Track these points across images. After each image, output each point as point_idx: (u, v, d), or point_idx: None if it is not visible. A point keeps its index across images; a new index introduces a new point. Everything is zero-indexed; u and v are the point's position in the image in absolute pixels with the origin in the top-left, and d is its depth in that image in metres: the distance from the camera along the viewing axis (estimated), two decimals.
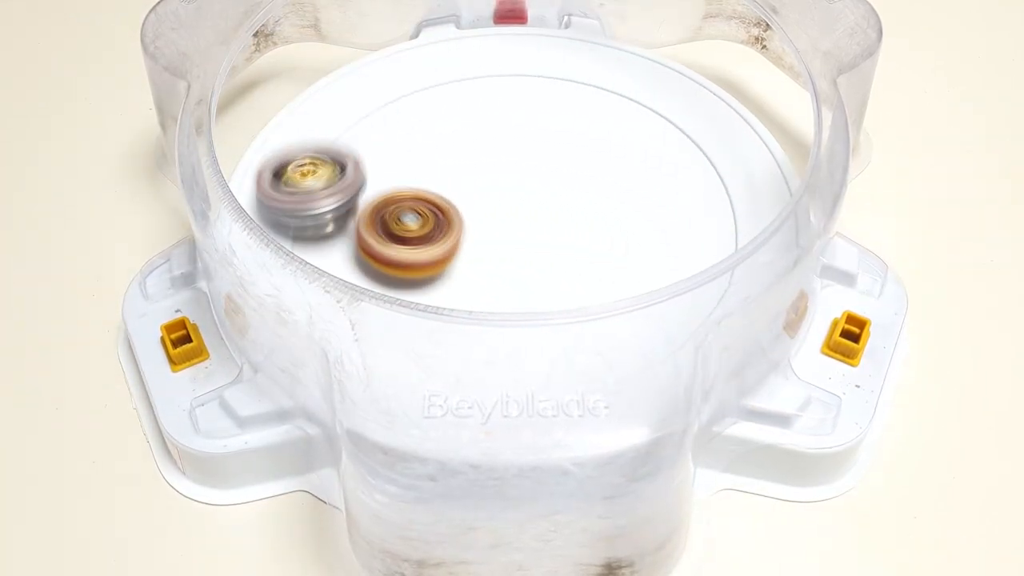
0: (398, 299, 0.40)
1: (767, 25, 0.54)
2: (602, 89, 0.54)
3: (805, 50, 0.49)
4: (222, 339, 0.47)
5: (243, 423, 0.44)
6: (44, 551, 0.44)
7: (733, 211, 0.49)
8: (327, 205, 0.47)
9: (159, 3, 0.50)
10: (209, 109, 0.47)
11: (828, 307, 0.48)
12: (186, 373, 0.46)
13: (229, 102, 0.57)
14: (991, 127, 0.58)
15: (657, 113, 0.53)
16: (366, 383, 0.40)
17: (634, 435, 0.39)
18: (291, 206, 0.47)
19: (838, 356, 0.46)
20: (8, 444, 0.47)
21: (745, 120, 0.53)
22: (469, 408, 0.40)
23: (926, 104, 0.59)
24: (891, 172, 0.55)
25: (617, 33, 0.57)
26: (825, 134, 0.46)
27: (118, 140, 0.57)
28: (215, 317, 0.47)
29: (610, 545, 0.41)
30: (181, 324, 0.47)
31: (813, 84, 0.47)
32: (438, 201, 0.47)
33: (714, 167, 0.51)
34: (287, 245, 0.44)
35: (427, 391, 0.40)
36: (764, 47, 0.55)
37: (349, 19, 0.56)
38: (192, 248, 0.49)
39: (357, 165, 0.48)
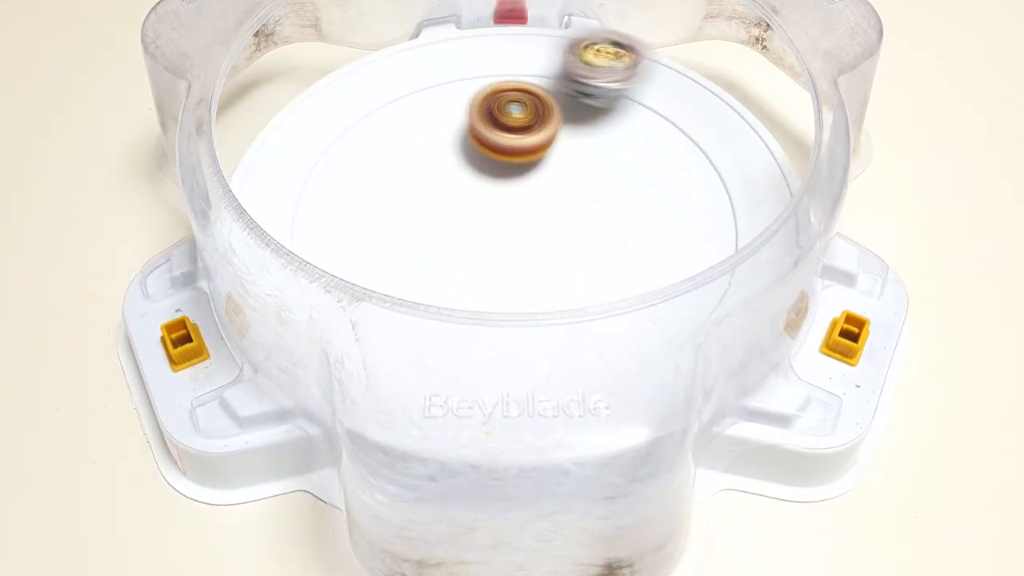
0: (398, 299, 0.40)
1: (767, 25, 0.54)
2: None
3: (805, 50, 0.49)
4: (222, 339, 0.47)
5: (243, 423, 0.44)
6: (44, 551, 0.44)
7: (733, 211, 0.49)
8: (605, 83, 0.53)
9: (159, 3, 0.50)
10: (209, 109, 0.47)
11: (828, 307, 0.48)
12: (186, 373, 0.46)
13: (229, 102, 0.57)
14: (991, 127, 0.58)
15: (657, 113, 0.53)
16: (366, 383, 0.40)
17: (634, 435, 0.39)
18: (577, 73, 0.52)
19: (838, 356, 0.46)
20: (8, 444, 0.47)
21: (745, 120, 0.53)
22: (469, 408, 0.40)
23: (926, 104, 0.59)
24: (891, 172, 0.55)
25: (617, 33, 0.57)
26: (825, 134, 0.46)
27: (118, 140, 0.57)
28: (215, 317, 0.47)
29: (610, 545, 0.41)
30: (181, 324, 0.47)
31: (813, 84, 0.47)
32: (539, 93, 0.52)
33: (714, 167, 0.51)
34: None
35: (427, 391, 0.40)
36: (764, 47, 0.55)
37: (349, 19, 0.56)
38: (192, 248, 0.49)
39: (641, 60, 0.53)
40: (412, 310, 0.40)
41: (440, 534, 0.40)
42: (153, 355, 0.46)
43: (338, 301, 0.40)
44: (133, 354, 0.47)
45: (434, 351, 0.41)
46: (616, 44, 0.53)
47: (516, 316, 0.41)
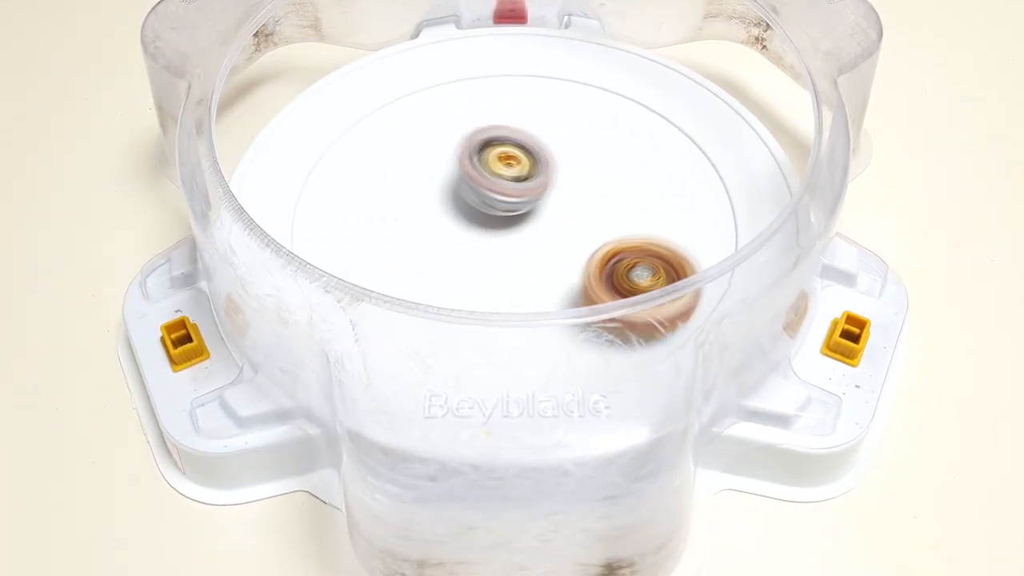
0: (398, 299, 0.40)
1: (767, 25, 0.54)
2: (602, 89, 0.54)
3: (805, 50, 0.49)
4: (222, 339, 0.47)
5: (243, 423, 0.44)
6: (44, 551, 0.44)
7: (733, 211, 0.49)
8: (512, 198, 0.48)
9: (159, 3, 0.50)
10: (209, 109, 0.47)
11: (828, 307, 0.48)
12: (186, 373, 0.46)
13: (229, 102, 0.57)
14: (991, 127, 0.58)
15: (657, 113, 0.53)
16: (367, 383, 0.40)
17: (634, 435, 0.39)
18: (480, 184, 0.48)
19: (838, 356, 0.46)
20: (8, 444, 0.47)
21: (745, 120, 0.53)
22: (470, 408, 0.40)
23: (926, 104, 0.59)
24: (891, 172, 0.55)
25: (617, 33, 0.57)
26: (825, 134, 0.46)
27: (118, 140, 0.57)
28: (215, 317, 0.47)
29: (610, 545, 0.41)
30: (181, 324, 0.47)
31: (813, 84, 0.47)
32: (668, 251, 0.44)
33: (714, 167, 0.51)
34: None
35: (427, 391, 0.40)
36: (764, 47, 0.55)
37: (349, 19, 0.56)
38: (192, 248, 0.49)
39: (549, 170, 0.49)
40: (412, 310, 0.40)
41: (440, 534, 0.40)
42: (153, 355, 0.46)
43: (338, 301, 0.40)
44: (133, 354, 0.47)
45: (434, 351, 0.41)
46: (522, 148, 0.49)
47: (516, 316, 0.41)
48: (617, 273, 0.44)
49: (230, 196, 0.43)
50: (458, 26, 0.57)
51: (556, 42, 0.56)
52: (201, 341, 0.46)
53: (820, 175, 0.45)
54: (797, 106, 0.55)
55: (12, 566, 0.44)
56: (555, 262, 0.48)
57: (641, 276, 0.44)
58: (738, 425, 0.44)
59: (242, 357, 0.46)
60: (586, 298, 0.44)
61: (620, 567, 0.41)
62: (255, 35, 0.54)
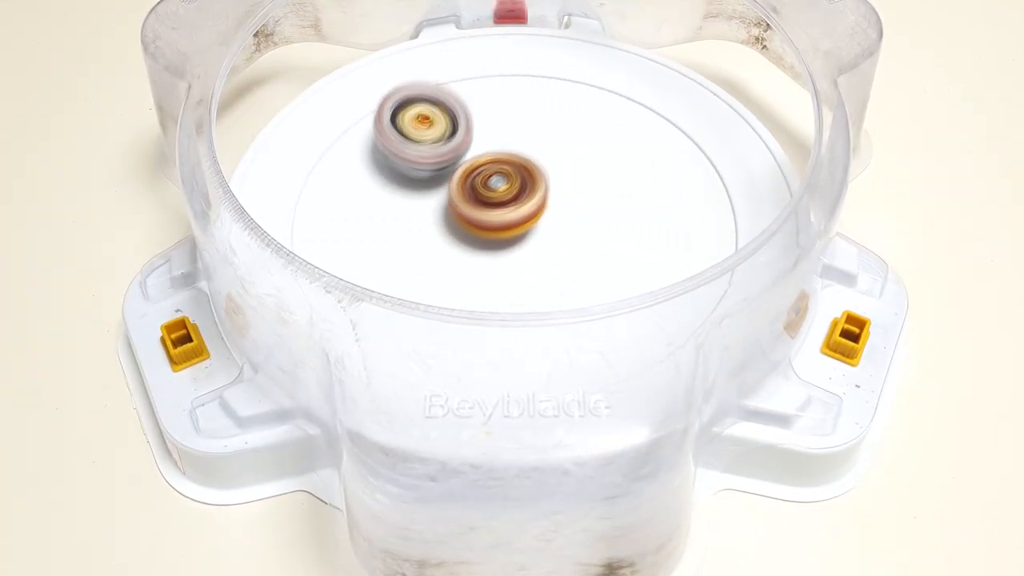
0: (398, 299, 0.40)
1: (767, 25, 0.54)
2: (602, 89, 0.54)
3: (805, 50, 0.49)
4: (222, 339, 0.47)
5: (243, 423, 0.44)
6: (44, 551, 0.44)
7: (733, 211, 0.49)
8: (427, 162, 0.49)
9: (159, 3, 0.50)
10: (209, 109, 0.47)
11: (828, 307, 0.48)
12: (186, 373, 0.46)
13: (229, 102, 0.57)
14: (991, 127, 0.58)
15: (657, 113, 0.53)
16: (367, 383, 0.40)
17: (635, 435, 0.39)
18: (395, 148, 0.49)
19: (838, 356, 0.46)
20: (8, 444, 0.47)
21: (745, 120, 0.53)
22: (470, 408, 0.40)
23: (926, 104, 0.59)
24: (891, 172, 0.55)
25: (617, 33, 0.57)
26: (825, 134, 0.46)
27: (118, 140, 0.57)
28: (215, 317, 0.47)
29: (611, 545, 0.41)
30: (181, 324, 0.47)
31: (813, 84, 0.47)
32: (522, 161, 0.48)
33: (714, 167, 0.51)
34: None
35: (428, 391, 0.40)
36: (764, 47, 0.55)
37: (349, 19, 0.56)
38: (192, 248, 0.49)
39: (468, 129, 0.50)
40: (412, 310, 0.40)
41: (440, 534, 0.40)
42: (153, 355, 0.46)
43: (338, 301, 0.40)
44: (133, 354, 0.47)
45: (434, 351, 0.41)
46: (438, 105, 0.50)
47: (516, 316, 0.41)
48: (476, 186, 0.47)
49: (230, 196, 0.43)
50: (458, 26, 0.57)
51: (556, 42, 0.56)
52: (201, 341, 0.46)
53: (820, 175, 0.45)
54: (797, 106, 0.55)
55: (12, 566, 0.44)
56: (555, 262, 0.48)
57: (497, 184, 0.47)
58: (738, 425, 0.44)
59: (242, 357, 0.46)
60: (453, 212, 0.48)
61: (620, 567, 0.41)
62: (255, 35, 0.54)
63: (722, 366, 0.42)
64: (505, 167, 0.48)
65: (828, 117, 0.46)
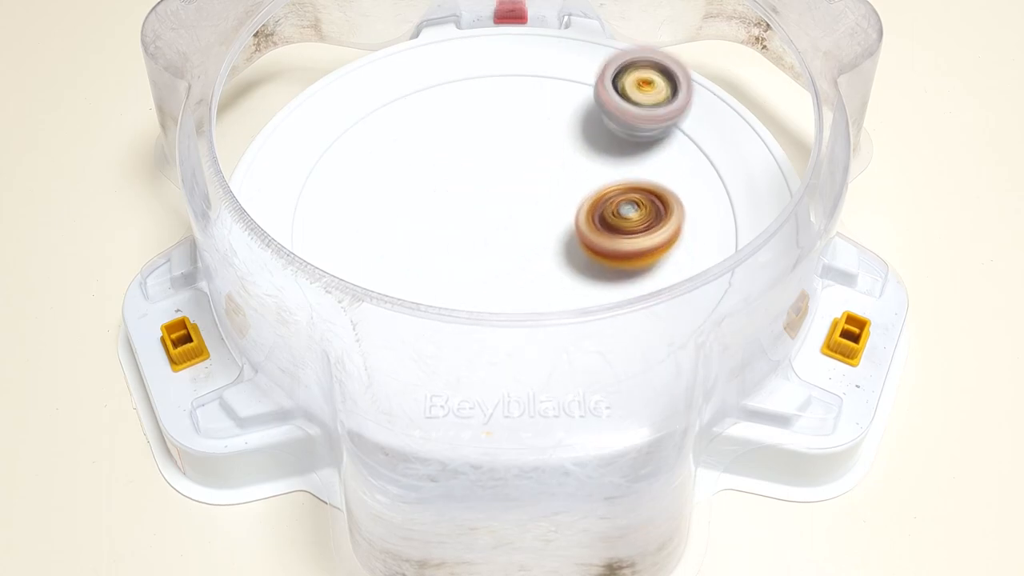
0: (399, 299, 0.40)
1: (767, 25, 0.54)
2: None
3: (805, 50, 0.49)
4: (222, 339, 0.47)
5: (243, 423, 0.44)
6: (44, 551, 0.44)
7: (733, 211, 0.49)
8: (651, 125, 0.50)
9: (159, 3, 0.50)
10: (209, 109, 0.47)
11: (828, 307, 0.48)
12: (186, 373, 0.46)
13: (229, 102, 0.57)
14: (991, 127, 0.58)
15: None
16: (367, 383, 0.40)
17: (635, 435, 0.39)
18: (618, 112, 0.50)
19: (838, 356, 0.46)
20: (8, 444, 0.47)
21: (745, 120, 0.53)
22: (471, 408, 0.40)
23: (926, 104, 0.59)
24: (891, 172, 0.55)
25: (617, 33, 0.57)
26: (825, 134, 0.46)
27: (118, 140, 0.57)
28: (215, 317, 0.47)
29: (611, 545, 0.41)
30: (181, 324, 0.47)
31: (813, 84, 0.47)
32: (654, 188, 0.47)
33: (714, 167, 0.51)
34: None
35: (428, 391, 0.40)
36: (764, 47, 0.55)
37: (349, 19, 0.56)
38: (192, 248, 0.49)
39: (689, 91, 0.51)
40: (412, 310, 0.40)
41: (441, 534, 0.40)
42: (153, 355, 0.46)
43: (338, 301, 0.40)
44: (133, 354, 0.47)
45: (434, 351, 0.41)
46: (656, 66, 0.51)
47: (516, 316, 0.41)
48: (606, 214, 0.46)
49: (230, 196, 0.43)
50: (458, 26, 0.57)
51: (556, 42, 0.56)
52: (201, 341, 0.46)
53: (820, 175, 0.45)
54: (797, 106, 0.56)
55: (12, 566, 0.44)
56: (556, 261, 0.48)
57: (628, 211, 0.46)
58: (738, 425, 0.44)
59: (242, 357, 0.46)
60: (583, 244, 0.47)
61: (621, 567, 0.41)
62: (255, 35, 0.54)
63: (722, 366, 0.42)
64: (635, 195, 0.47)
65: (828, 117, 0.46)
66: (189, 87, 0.47)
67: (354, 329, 0.40)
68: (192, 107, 0.47)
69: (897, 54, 0.54)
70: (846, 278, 0.48)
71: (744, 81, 0.57)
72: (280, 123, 0.53)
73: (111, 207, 0.54)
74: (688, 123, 0.53)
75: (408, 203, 0.50)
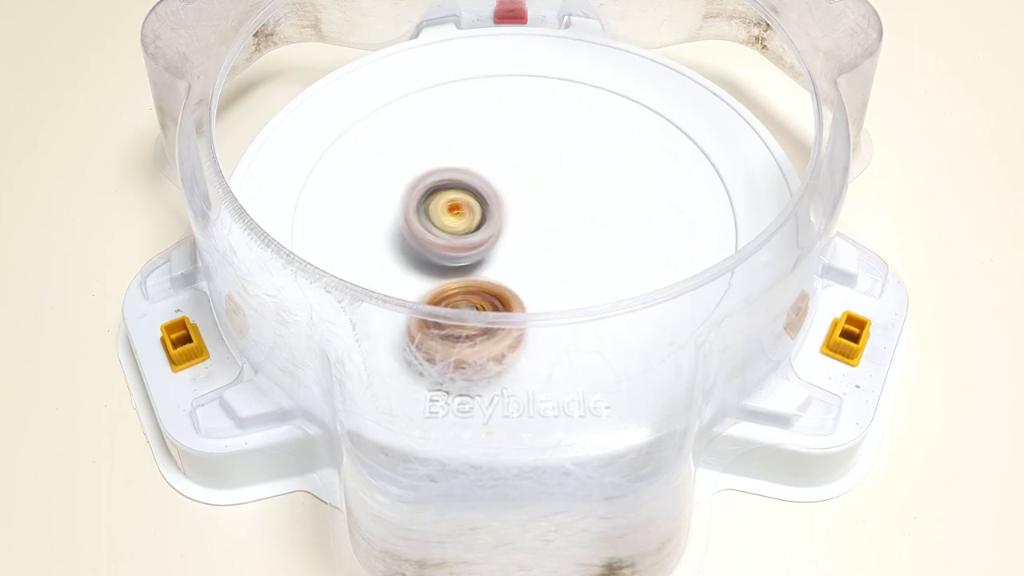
0: (398, 299, 0.40)
1: (767, 25, 0.54)
2: (602, 89, 0.54)
3: (805, 50, 0.49)
4: (222, 339, 0.47)
5: (243, 423, 0.44)
6: (44, 551, 0.44)
7: (733, 211, 0.49)
8: (466, 254, 0.46)
9: (159, 3, 0.50)
10: (209, 109, 0.47)
11: (828, 307, 0.48)
12: (186, 373, 0.46)
13: (229, 102, 0.57)
14: (991, 127, 0.58)
15: (657, 113, 0.53)
16: (367, 383, 0.40)
17: (635, 435, 0.39)
18: (428, 240, 0.46)
19: (838, 356, 0.46)
20: (8, 444, 0.47)
21: (745, 120, 0.53)
22: (470, 408, 0.40)
23: (926, 104, 0.59)
24: (891, 172, 0.55)
25: (617, 33, 0.57)
26: (825, 134, 0.46)
27: (118, 140, 0.57)
28: (215, 317, 0.47)
29: (611, 545, 0.41)
30: (181, 324, 0.47)
31: (813, 84, 0.47)
32: (494, 291, 0.44)
33: (714, 167, 0.51)
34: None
35: (428, 391, 0.40)
36: (764, 47, 0.55)
37: (349, 19, 0.56)
38: (192, 248, 0.49)
39: (500, 210, 0.47)
40: (412, 310, 0.40)
41: (441, 534, 0.40)
42: (153, 355, 0.46)
43: (338, 301, 0.40)
44: (133, 354, 0.47)
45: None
46: (470, 191, 0.47)
47: (516, 316, 0.41)
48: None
49: (230, 196, 0.43)
50: (458, 26, 0.57)
51: (556, 42, 0.56)
52: (201, 341, 0.46)
53: (820, 175, 0.45)
54: (797, 106, 0.56)
55: (12, 566, 0.44)
56: (556, 261, 0.48)
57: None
58: (738, 425, 0.44)
59: (242, 357, 0.46)
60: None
61: (621, 567, 0.41)
62: (255, 35, 0.54)
63: (722, 366, 0.42)
64: (474, 297, 0.44)
65: (828, 117, 0.46)
66: (189, 87, 0.47)
67: (354, 329, 0.40)
68: (192, 107, 0.47)
69: (897, 54, 0.54)
70: (846, 278, 0.48)
71: (744, 81, 0.57)
72: (280, 123, 0.53)
73: (111, 207, 0.54)
74: (688, 123, 0.53)
75: None
